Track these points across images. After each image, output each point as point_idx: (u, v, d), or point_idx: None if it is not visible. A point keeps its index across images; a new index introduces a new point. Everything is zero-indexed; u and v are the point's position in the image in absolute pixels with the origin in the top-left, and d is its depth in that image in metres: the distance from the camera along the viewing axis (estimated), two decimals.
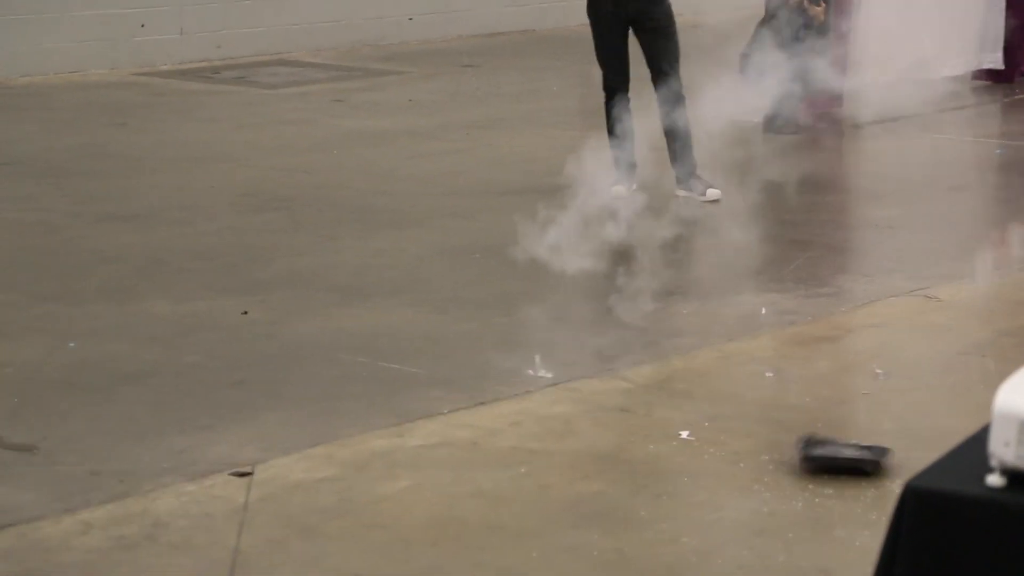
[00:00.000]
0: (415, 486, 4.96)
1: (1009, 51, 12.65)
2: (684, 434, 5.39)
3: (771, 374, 6.06)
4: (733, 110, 10.10)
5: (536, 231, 7.55)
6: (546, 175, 8.89)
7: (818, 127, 11.10)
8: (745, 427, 5.46)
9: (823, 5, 10.55)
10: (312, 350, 6.31)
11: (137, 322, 6.68)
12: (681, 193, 8.92)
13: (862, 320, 6.85)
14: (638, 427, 5.50)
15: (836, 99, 11.57)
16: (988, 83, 12.74)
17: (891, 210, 8.82)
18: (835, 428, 5.42)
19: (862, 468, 4.99)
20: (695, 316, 6.83)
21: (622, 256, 7.79)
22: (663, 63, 8.73)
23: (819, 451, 5.06)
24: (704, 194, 8.84)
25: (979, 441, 2.85)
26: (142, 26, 13.65)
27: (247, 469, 5.07)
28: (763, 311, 6.86)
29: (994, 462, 2.74)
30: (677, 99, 8.77)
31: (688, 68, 8.87)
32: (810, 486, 4.95)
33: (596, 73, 8.97)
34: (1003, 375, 2.97)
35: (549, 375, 5.97)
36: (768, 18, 10.60)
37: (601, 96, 8.93)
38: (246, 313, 6.77)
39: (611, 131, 8.87)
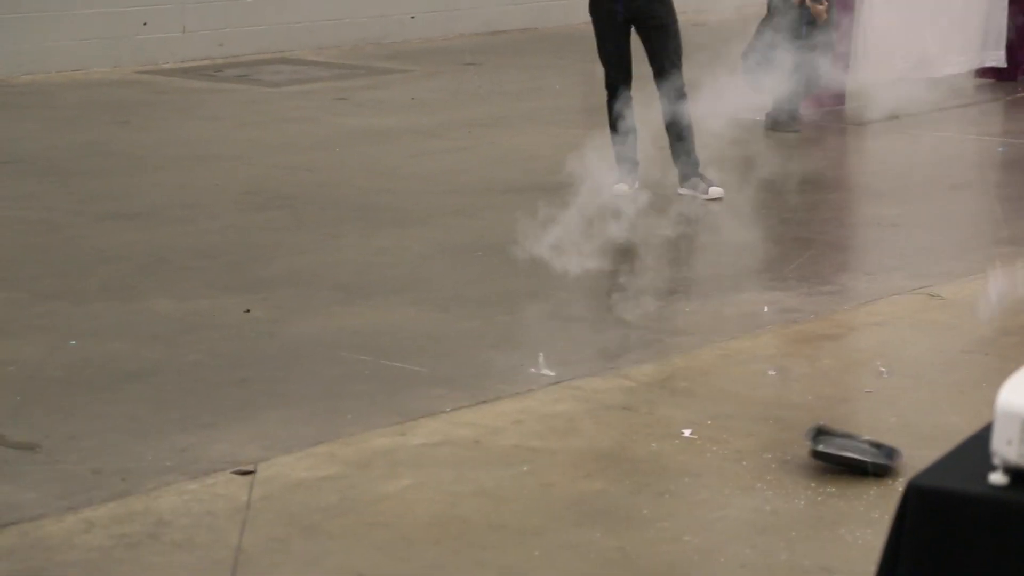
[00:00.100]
0: (417, 484, 4.96)
1: (1011, 49, 12.65)
2: (686, 432, 5.39)
3: (773, 372, 6.06)
4: (735, 108, 10.12)
5: (538, 229, 7.56)
6: (548, 173, 8.89)
7: (820, 125, 11.10)
8: (747, 425, 5.46)
9: (825, 3, 10.55)
10: (314, 348, 6.31)
11: (139, 320, 6.68)
12: (683, 191, 8.92)
13: (864, 318, 6.85)
14: (640, 425, 5.50)
15: (838, 97, 11.58)
16: (990, 81, 12.73)
17: (893, 208, 8.82)
18: (838, 425, 5.42)
19: (871, 472, 4.98)
20: (697, 314, 6.83)
21: (624, 254, 7.80)
22: (665, 61, 8.73)
23: (829, 448, 5.05)
24: (706, 192, 8.84)
25: (982, 439, 2.85)
26: (144, 24, 13.65)
27: (249, 467, 5.07)
28: (765, 309, 6.86)
29: (997, 460, 2.74)
30: (679, 97, 8.77)
31: (690, 66, 8.86)
32: (812, 484, 4.95)
33: (598, 71, 8.97)
34: (1005, 373, 2.97)
35: (551, 373, 5.97)
36: (770, 16, 10.60)
37: (603, 94, 8.92)
38: (248, 311, 6.77)
39: (613, 129, 8.87)
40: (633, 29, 8.83)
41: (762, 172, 9.66)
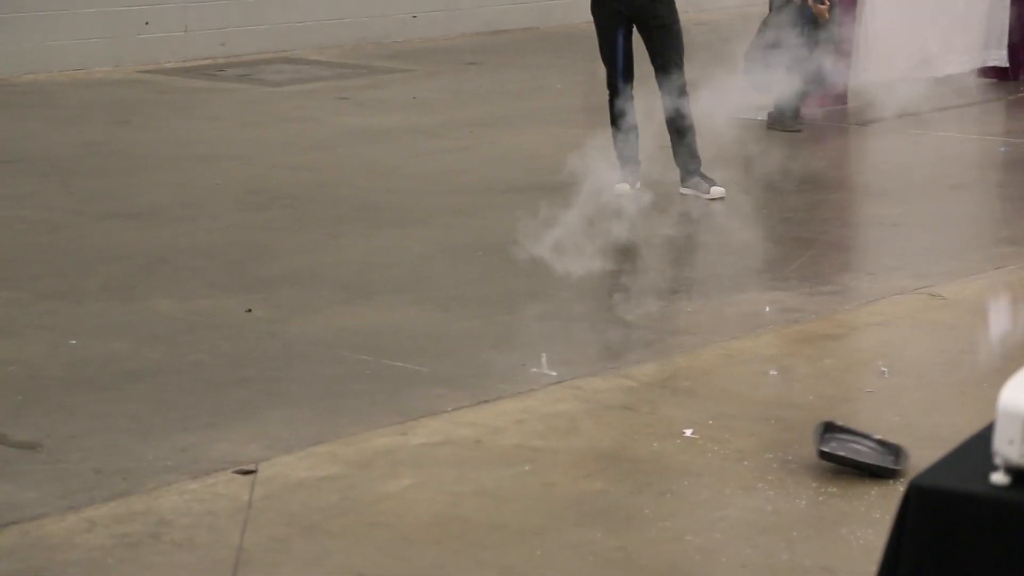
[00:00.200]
0: (418, 484, 4.96)
1: (1013, 49, 12.64)
2: (688, 432, 5.38)
3: (775, 372, 6.06)
4: (737, 107, 10.13)
5: (539, 229, 7.55)
6: (550, 173, 8.88)
7: (822, 124, 11.10)
8: (749, 425, 5.46)
9: (827, 3, 10.54)
10: (315, 348, 6.31)
11: (140, 320, 6.68)
12: (685, 191, 8.92)
13: (866, 318, 6.85)
14: (641, 425, 5.50)
15: (840, 96, 11.58)
16: (992, 81, 12.73)
17: (895, 208, 8.81)
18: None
19: (878, 475, 4.98)
20: (698, 314, 6.83)
21: (626, 254, 7.79)
22: (667, 60, 8.73)
23: (837, 450, 5.04)
24: (708, 192, 8.84)
25: (983, 439, 2.84)
26: (146, 23, 13.65)
27: (250, 467, 5.07)
28: (767, 309, 6.86)
29: (998, 460, 2.74)
30: (681, 96, 8.77)
31: (692, 65, 8.86)
32: (814, 484, 4.95)
33: (600, 70, 8.97)
34: (1007, 373, 2.97)
35: (552, 373, 5.97)
36: (772, 16, 10.60)
37: (605, 93, 8.92)
38: (249, 311, 6.77)
39: (615, 128, 8.87)
40: (635, 28, 8.83)
41: (763, 172, 9.66)
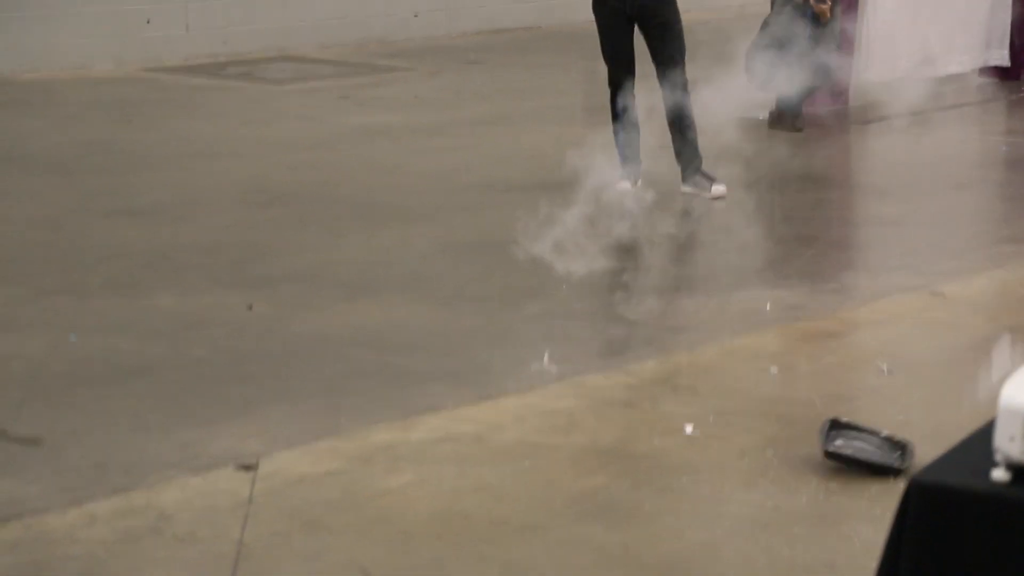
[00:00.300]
0: (419, 480, 4.97)
1: (1015, 48, 12.64)
2: (688, 429, 5.39)
3: (776, 370, 6.06)
4: (739, 106, 10.13)
5: (541, 227, 7.56)
6: (551, 171, 8.88)
7: (824, 123, 11.10)
8: (749, 422, 5.46)
9: (829, 2, 10.54)
10: (317, 344, 6.31)
11: (142, 316, 6.69)
12: (686, 189, 8.92)
13: (867, 316, 6.85)
14: (642, 422, 5.51)
15: (842, 96, 11.58)
16: (994, 80, 12.72)
17: (896, 207, 8.81)
18: None
19: (885, 472, 4.97)
20: (700, 311, 6.83)
21: (627, 252, 7.80)
22: (668, 59, 8.73)
23: (844, 449, 5.04)
24: (709, 190, 8.84)
25: (984, 436, 2.85)
26: (148, 22, 13.65)
27: (251, 463, 5.08)
28: (768, 307, 6.86)
29: (999, 457, 2.74)
30: (682, 95, 8.77)
31: (694, 64, 8.86)
32: (815, 480, 4.95)
33: (601, 69, 8.97)
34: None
35: (553, 370, 5.97)
36: (774, 14, 10.60)
37: (606, 92, 8.92)
38: (251, 308, 6.78)
39: (616, 126, 8.87)
40: (636, 27, 8.83)
41: (765, 170, 9.66)
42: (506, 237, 7.58)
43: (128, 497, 4.82)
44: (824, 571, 4.41)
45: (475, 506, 4.79)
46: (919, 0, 11.81)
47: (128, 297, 6.96)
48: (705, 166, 8.93)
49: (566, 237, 7.46)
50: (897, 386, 5.90)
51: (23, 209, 8.57)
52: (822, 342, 6.47)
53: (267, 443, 5.25)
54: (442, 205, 8.71)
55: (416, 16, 15.35)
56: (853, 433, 5.15)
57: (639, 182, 8.85)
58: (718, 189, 8.84)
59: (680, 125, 8.83)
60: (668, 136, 8.92)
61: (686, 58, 8.80)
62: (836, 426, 5.16)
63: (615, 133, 8.86)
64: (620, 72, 8.79)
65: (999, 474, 2.74)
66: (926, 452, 4.97)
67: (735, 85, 9.15)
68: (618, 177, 8.78)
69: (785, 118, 10.79)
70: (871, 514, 4.71)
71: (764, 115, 10.91)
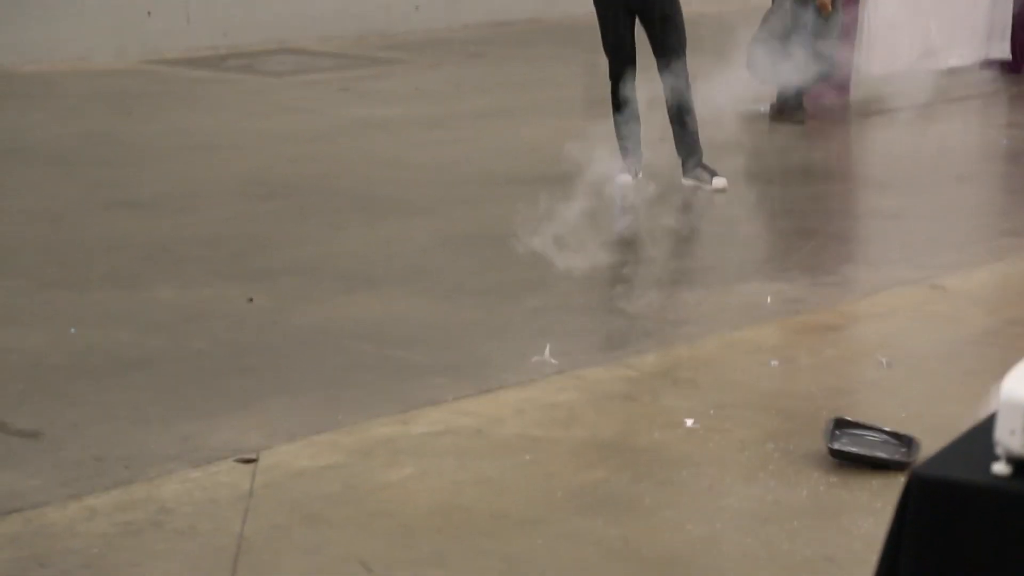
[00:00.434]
0: (419, 474, 4.96)
1: (1017, 41, 12.63)
2: (689, 422, 5.38)
3: (776, 363, 6.06)
4: (740, 99, 10.11)
5: (541, 220, 7.55)
6: (552, 164, 8.88)
7: (825, 116, 11.10)
8: (750, 415, 5.46)
9: None
10: (317, 337, 6.31)
11: (142, 309, 6.68)
12: (687, 182, 8.91)
13: (867, 309, 6.85)
14: (643, 415, 5.50)
15: (843, 88, 11.57)
16: (995, 73, 12.71)
17: (897, 199, 8.81)
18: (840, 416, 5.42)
19: (891, 467, 4.97)
20: (700, 304, 6.83)
21: (628, 244, 7.80)
22: (669, 52, 8.72)
23: (849, 446, 5.03)
24: (710, 183, 8.84)
25: (985, 429, 2.84)
26: (149, 14, 13.64)
27: (252, 456, 5.07)
28: (768, 300, 6.86)
29: (1000, 450, 2.74)
30: (683, 88, 8.76)
31: (695, 57, 8.85)
32: (815, 474, 4.95)
33: (602, 62, 8.97)
34: (1008, 364, 2.97)
35: (554, 363, 5.97)
36: (775, 7, 10.59)
37: (607, 85, 8.92)
38: (251, 300, 6.77)
39: (617, 119, 8.86)
40: (637, 19, 8.82)
41: (766, 163, 9.66)
42: (506, 230, 7.57)
43: (128, 490, 4.82)
44: (824, 564, 4.41)
45: (475, 499, 4.79)
46: None
47: (128, 290, 6.95)
48: (706, 159, 8.92)
49: (566, 230, 7.46)
50: (897, 379, 5.90)
51: (23, 201, 8.57)
52: (822, 335, 6.46)
53: (267, 436, 5.25)
54: (442, 198, 8.71)
55: (417, 9, 15.34)
56: (857, 431, 5.14)
57: (640, 175, 8.85)
58: (719, 182, 8.84)
59: (681, 118, 8.83)
60: (669, 129, 8.92)
61: (687, 51, 8.79)
62: (840, 425, 5.15)
63: (616, 126, 8.86)
64: (621, 65, 8.79)
65: (1000, 467, 2.74)
66: (927, 445, 4.97)
67: (736, 78, 9.14)
68: (619, 170, 8.78)
69: (786, 111, 10.78)
70: (871, 507, 4.71)
71: (765, 108, 10.91)
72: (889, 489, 4.76)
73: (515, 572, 4.36)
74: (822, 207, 8.71)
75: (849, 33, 11.01)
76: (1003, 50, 12.59)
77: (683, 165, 8.93)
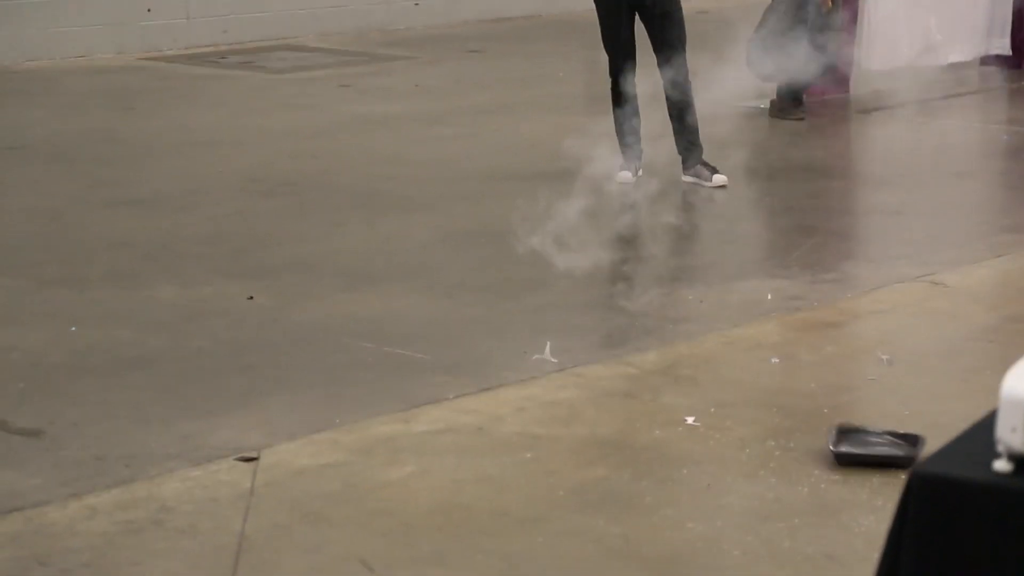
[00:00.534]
0: (420, 472, 4.96)
1: (1017, 37, 12.62)
2: (689, 420, 5.38)
3: (777, 360, 6.06)
4: (740, 95, 10.11)
5: (542, 217, 7.55)
6: (552, 161, 8.88)
7: (825, 113, 11.09)
8: (750, 413, 5.46)
9: None
10: (318, 335, 6.31)
11: (143, 307, 6.68)
12: (687, 178, 8.91)
13: (868, 306, 6.85)
14: (643, 413, 5.50)
15: (843, 85, 11.57)
16: (996, 69, 12.71)
17: (897, 196, 8.81)
18: (841, 414, 5.42)
19: (896, 464, 4.95)
20: (701, 302, 6.83)
21: (628, 242, 7.79)
22: (669, 49, 8.71)
23: (853, 448, 5.02)
24: (710, 180, 8.83)
25: (986, 427, 2.84)
26: (148, 11, 13.64)
27: (252, 454, 5.07)
28: (769, 297, 6.86)
29: (1001, 448, 2.73)
30: (683, 84, 8.76)
31: (695, 54, 8.85)
32: (815, 472, 4.95)
33: (602, 58, 8.96)
34: (1009, 361, 2.97)
35: (554, 361, 5.97)
36: (776, 4, 10.58)
37: (607, 81, 8.91)
38: (252, 298, 6.77)
39: (617, 116, 8.86)
40: (637, 15, 8.82)
41: (766, 159, 9.65)
42: (507, 227, 7.57)
43: (129, 489, 4.82)
44: (825, 562, 4.41)
45: (476, 498, 4.79)
46: None
47: (128, 288, 6.95)
48: (706, 156, 8.92)
49: (567, 227, 7.45)
50: (898, 376, 5.90)
51: (23, 199, 8.56)
52: (823, 332, 6.46)
53: (268, 435, 5.25)
54: (442, 194, 8.70)
55: (417, 5, 15.34)
56: (861, 435, 5.12)
57: (640, 171, 8.84)
58: (719, 179, 8.84)
59: (681, 114, 8.82)
60: (669, 125, 8.91)
61: (687, 47, 8.79)
62: (843, 431, 5.13)
63: (616, 122, 8.86)
64: (621, 61, 8.78)
65: (1001, 465, 2.74)
66: (928, 443, 4.97)
67: (736, 75, 9.14)
68: (619, 167, 8.78)
69: (786, 107, 10.78)
70: (872, 505, 4.71)
71: (765, 104, 10.90)
72: (890, 487, 4.76)
73: (516, 570, 4.36)
74: (822, 204, 8.71)
75: (849, 29, 11.01)
76: (1003, 46, 12.58)
77: (683, 162, 8.93)
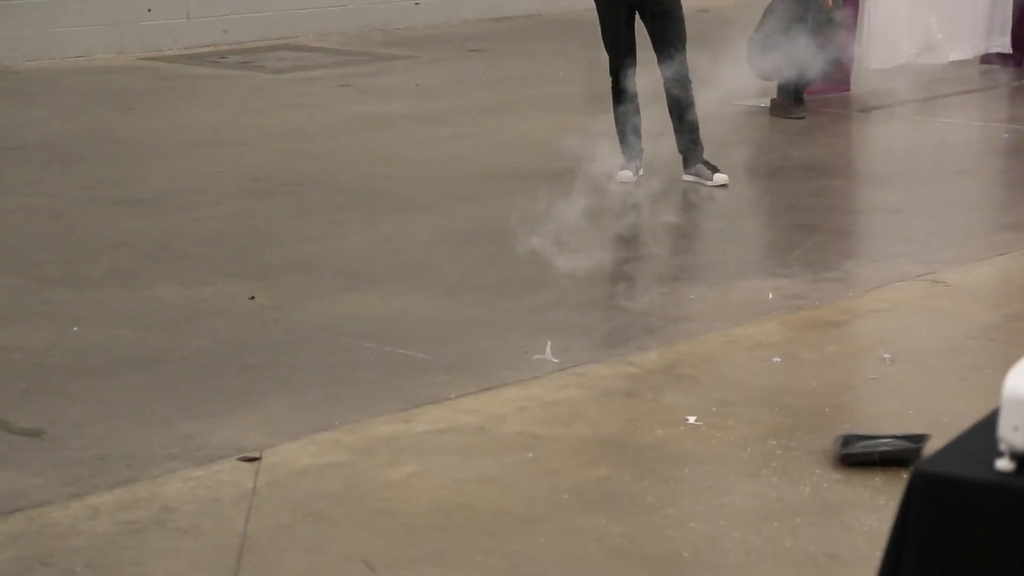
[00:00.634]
0: (422, 471, 4.96)
1: (1017, 35, 12.62)
2: (691, 419, 5.38)
3: (778, 359, 6.06)
4: (740, 94, 10.11)
5: (543, 216, 7.55)
6: (552, 160, 8.88)
7: (825, 111, 11.09)
8: (752, 412, 5.46)
9: None
10: (319, 335, 6.31)
11: (144, 307, 6.68)
12: (688, 178, 8.91)
13: (869, 305, 6.84)
14: (645, 412, 5.50)
15: (843, 83, 11.57)
16: (996, 67, 12.71)
17: (898, 194, 8.81)
18: (843, 413, 5.42)
19: (902, 459, 4.94)
20: (701, 301, 6.83)
21: (628, 241, 7.79)
22: (670, 47, 8.71)
23: (857, 448, 5.02)
24: (711, 179, 8.83)
25: (988, 426, 2.84)
26: (148, 11, 13.64)
27: (254, 454, 5.07)
28: (770, 296, 6.86)
29: (1003, 446, 2.74)
30: (684, 83, 8.75)
31: (695, 52, 8.85)
32: (817, 471, 4.95)
33: (603, 57, 8.96)
34: (1011, 359, 2.97)
35: (555, 360, 5.97)
36: (776, 3, 10.58)
37: (607, 80, 8.91)
38: (253, 298, 6.77)
39: (617, 115, 8.86)
40: (637, 14, 8.81)
41: (767, 158, 9.65)
42: (507, 226, 7.57)
43: (131, 489, 4.82)
44: (827, 561, 4.41)
45: (477, 497, 4.79)
46: None
47: (129, 288, 6.95)
48: (707, 154, 8.92)
49: (567, 227, 7.45)
50: (899, 375, 5.90)
51: (24, 199, 8.56)
52: (824, 331, 6.46)
53: (269, 435, 5.25)
54: (443, 194, 8.70)
55: (417, 4, 15.33)
56: (866, 441, 5.10)
57: (640, 170, 8.84)
58: (720, 178, 8.84)
59: (682, 113, 8.82)
60: (670, 124, 8.91)
61: (687, 45, 8.78)
62: (848, 439, 5.11)
63: (616, 121, 8.85)
64: (621, 60, 8.78)
65: (1003, 464, 2.74)
66: (929, 442, 4.97)
67: (737, 74, 9.14)
68: (619, 166, 8.78)
69: (787, 106, 10.77)
70: (874, 504, 4.71)
71: (766, 103, 10.90)
72: (892, 485, 4.76)
73: (517, 570, 4.36)
74: (823, 203, 8.71)
75: (849, 27, 11.00)
76: (1004, 44, 12.58)
77: (684, 161, 8.93)
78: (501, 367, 5.91)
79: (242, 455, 5.07)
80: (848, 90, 11.61)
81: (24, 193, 8.69)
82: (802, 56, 9.84)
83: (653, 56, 8.82)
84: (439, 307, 6.72)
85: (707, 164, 8.89)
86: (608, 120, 8.87)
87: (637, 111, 8.82)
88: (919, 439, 5.05)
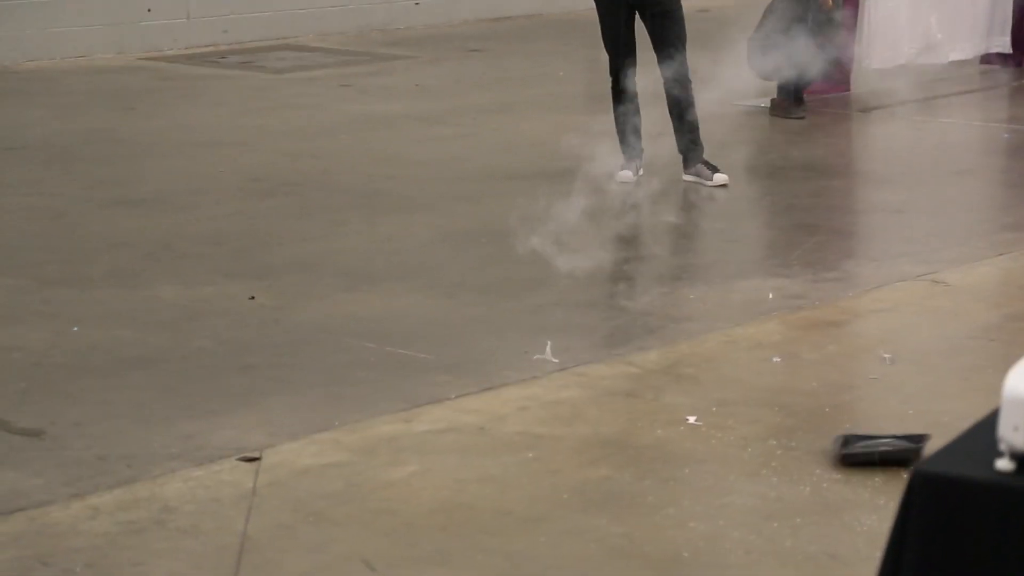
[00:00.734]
0: (422, 471, 4.97)
1: (1017, 35, 12.62)
2: (691, 419, 5.38)
3: (778, 359, 6.06)
4: (740, 95, 10.11)
5: (543, 216, 7.55)
6: (553, 160, 8.88)
7: (825, 111, 11.09)
8: (752, 412, 5.46)
9: None
10: (319, 335, 6.31)
11: (144, 307, 6.68)
12: (688, 178, 8.91)
13: (869, 305, 6.85)
14: (645, 412, 5.50)
15: (843, 83, 11.57)
16: (996, 67, 12.71)
17: (898, 194, 8.81)
18: (843, 413, 5.43)
19: (902, 458, 4.94)
20: (702, 301, 6.83)
21: (629, 241, 7.79)
22: (670, 47, 8.71)
23: (856, 448, 5.02)
24: (711, 179, 8.83)
25: (988, 426, 2.84)
26: (149, 11, 13.64)
27: (255, 454, 5.07)
28: (770, 296, 6.86)
29: (1003, 446, 2.74)
30: (684, 83, 8.75)
31: (695, 53, 8.85)
32: (818, 471, 4.95)
33: (603, 57, 8.96)
34: (1011, 359, 2.97)
35: (556, 360, 5.97)
36: (776, 3, 10.58)
37: (607, 80, 8.91)
38: (253, 298, 6.77)
39: (617, 115, 8.86)
40: (637, 14, 8.81)
41: (767, 158, 9.65)
42: (507, 226, 7.57)
43: (131, 489, 4.82)
44: (828, 561, 4.41)
45: (478, 497, 4.79)
46: None
47: (130, 287, 6.95)
48: (707, 154, 8.92)
49: (567, 227, 7.45)
50: (900, 375, 5.90)
51: (24, 199, 8.56)
52: (824, 331, 6.46)
53: (270, 434, 5.25)
54: (443, 194, 8.70)
55: (417, 4, 15.33)
56: (866, 441, 5.10)
57: (641, 170, 8.84)
58: (720, 178, 8.84)
59: (682, 113, 8.82)
60: (670, 124, 8.91)
61: (687, 45, 8.78)
62: (848, 439, 5.11)
63: (616, 121, 8.85)
64: (621, 60, 8.78)
65: (1003, 464, 2.74)
66: (930, 442, 4.97)
67: (737, 73, 9.14)
68: (619, 166, 8.78)
69: (787, 106, 10.78)
70: (874, 504, 4.71)
71: (765, 103, 10.90)
72: (892, 485, 4.76)
73: (518, 570, 4.36)
74: (823, 202, 8.71)
75: (850, 28, 11.01)
76: (1004, 44, 12.58)
77: (684, 161, 8.93)
78: (502, 367, 5.91)
79: (242, 455, 5.07)
80: (848, 90, 11.61)
81: (24, 193, 8.69)
82: (802, 56, 9.84)
83: (653, 56, 8.82)
84: (439, 307, 6.72)
85: (707, 164, 8.89)
86: (608, 120, 8.87)
87: (637, 111, 8.82)
88: (919, 439, 5.06)
